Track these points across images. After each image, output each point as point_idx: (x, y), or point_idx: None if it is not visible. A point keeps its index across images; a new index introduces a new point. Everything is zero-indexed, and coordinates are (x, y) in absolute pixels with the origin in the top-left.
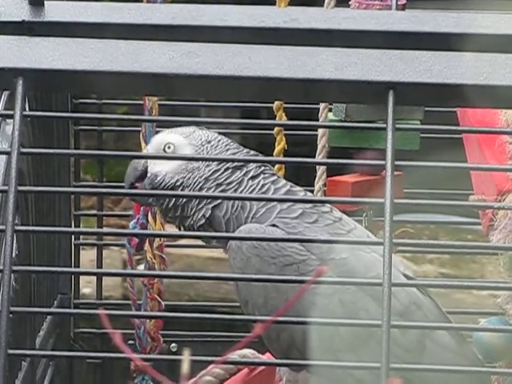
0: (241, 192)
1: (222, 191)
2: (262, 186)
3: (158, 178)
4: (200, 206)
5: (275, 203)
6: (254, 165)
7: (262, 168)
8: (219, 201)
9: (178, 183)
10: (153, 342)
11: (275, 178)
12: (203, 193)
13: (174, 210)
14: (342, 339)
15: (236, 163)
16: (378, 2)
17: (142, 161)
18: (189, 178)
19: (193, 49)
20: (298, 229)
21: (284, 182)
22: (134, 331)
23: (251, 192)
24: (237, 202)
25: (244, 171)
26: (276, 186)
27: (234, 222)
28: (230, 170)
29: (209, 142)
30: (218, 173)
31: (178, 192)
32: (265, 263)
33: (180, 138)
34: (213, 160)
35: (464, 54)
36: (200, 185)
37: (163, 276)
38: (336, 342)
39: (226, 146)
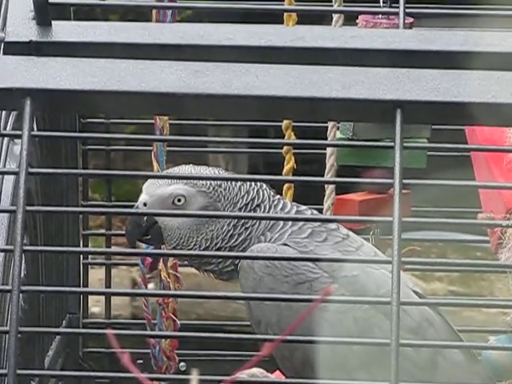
0: (260, 226)
1: (249, 234)
2: (277, 218)
3: (178, 232)
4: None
5: (286, 227)
6: (266, 199)
7: (272, 199)
8: (243, 247)
9: (201, 237)
10: (168, 361)
11: (282, 204)
12: (227, 239)
13: (194, 257)
14: (355, 357)
15: (251, 198)
16: (385, 21)
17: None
18: (212, 229)
19: (200, 68)
20: (309, 247)
21: (290, 204)
22: (143, 350)
23: (269, 227)
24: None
25: (262, 208)
26: (285, 212)
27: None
28: (250, 210)
29: (220, 186)
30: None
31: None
32: (277, 282)
33: (190, 189)
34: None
35: (471, 72)
36: (230, 233)
37: (173, 295)
38: (349, 359)
39: (237, 186)
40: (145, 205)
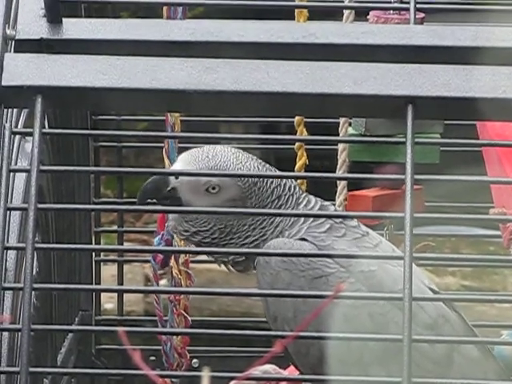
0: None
1: (268, 231)
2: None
3: (198, 216)
4: (245, 246)
5: (307, 222)
6: (292, 201)
7: (296, 197)
8: (261, 240)
9: (228, 229)
10: (180, 358)
11: (306, 200)
12: (246, 230)
13: (209, 245)
14: (370, 353)
15: (280, 201)
16: (397, 16)
17: (170, 183)
18: (233, 224)
19: (211, 65)
20: (327, 242)
21: (314, 200)
22: (156, 347)
23: (292, 224)
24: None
25: (287, 206)
26: (308, 208)
27: None
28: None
29: (255, 185)
30: (272, 217)
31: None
32: (294, 277)
33: (227, 180)
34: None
35: (482, 68)
36: (248, 231)
37: (184, 292)
38: (365, 355)
39: (271, 186)
40: (176, 178)
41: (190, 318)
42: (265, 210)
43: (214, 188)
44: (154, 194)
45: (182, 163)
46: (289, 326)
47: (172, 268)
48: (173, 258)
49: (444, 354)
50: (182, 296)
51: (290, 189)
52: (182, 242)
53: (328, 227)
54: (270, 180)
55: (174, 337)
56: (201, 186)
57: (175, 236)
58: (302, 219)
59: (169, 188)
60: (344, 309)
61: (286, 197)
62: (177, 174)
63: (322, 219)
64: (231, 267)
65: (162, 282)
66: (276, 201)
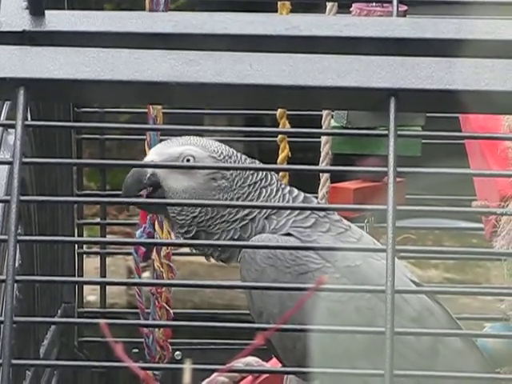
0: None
1: (255, 212)
2: (283, 199)
3: (183, 196)
4: (230, 226)
5: (291, 214)
6: (274, 183)
7: (279, 183)
8: (245, 222)
9: (214, 213)
10: (162, 351)
11: (289, 189)
12: (234, 212)
13: (195, 226)
14: (356, 347)
15: (260, 178)
16: (380, 9)
17: (147, 173)
18: (219, 198)
19: (193, 57)
20: (313, 237)
21: (297, 191)
22: (138, 339)
23: (276, 212)
24: (260, 222)
25: (268, 190)
26: (293, 196)
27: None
28: (258, 191)
29: (230, 157)
30: (251, 194)
31: (198, 202)
32: (280, 273)
33: (200, 151)
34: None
35: (465, 60)
36: (249, 211)
37: (167, 285)
38: (351, 349)
39: (246, 161)
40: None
41: (171, 311)
42: (251, 203)
43: (188, 160)
44: (136, 186)
45: (154, 151)
46: (274, 322)
47: (154, 261)
48: (155, 250)
49: (429, 346)
50: (164, 289)
51: (271, 175)
52: (164, 234)
53: (313, 222)
54: (244, 158)
55: (156, 330)
56: (175, 160)
57: (157, 229)
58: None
59: (148, 175)
60: (330, 304)
61: (269, 180)
62: (155, 166)
63: (307, 212)
64: (215, 257)
65: (145, 274)
66: (259, 182)
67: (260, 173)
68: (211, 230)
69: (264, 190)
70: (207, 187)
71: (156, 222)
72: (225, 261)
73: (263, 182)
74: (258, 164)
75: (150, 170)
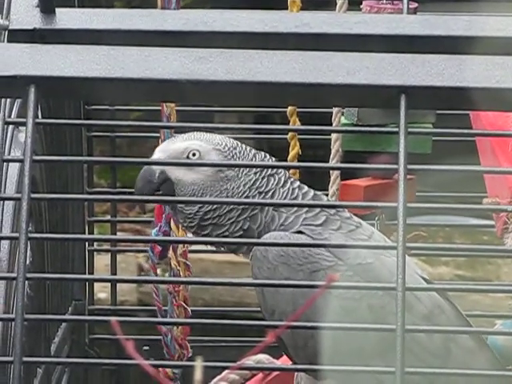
0: (275, 198)
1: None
2: (292, 193)
3: (191, 187)
4: (240, 217)
5: (301, 211)
6: (282, 172)
7: (288, 174)
8: (255, 212)
9: (215, 195)
10: (181, 349)
11: (298, 183)
12: (243, 200)
13: (204, 220)
14: (368, 345)
15: (268, 171)
16: (390, 6)
17: (156, 171)
18: (227, 188)
19: (204, 54)
20: (324, 235)
21: (307, 187)
22: (149, 336)
23: (284, 199)
24: (269, 212)
25: (276, 179)
26: (302, 192)
27: (265, 233)
28: (266, 179)
29: (235, 148)
30: (258, 182)
31: (208, 199)
32: (292, 271)
33: (205, 145)
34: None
35: (475, 57)
36: (245, 194)
37: (177, 282)
38: (363, 348)
39: (252, 152)
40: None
41: (189, 309)
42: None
43: (194, 155)
44: (148, 187)
45: (159, 148)
46: (287, 320)
47: (170, 259)
48: (171, 249)
49: (440, 345)
50: (182, 287)
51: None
52: (180, 232)
53: (324, 219)
54: (250, 149)
55: (175, 328)
56: (181, 155)
57: (173, 227)
58: (298, 202)
59: (157, 174)
60: (343, 302)
61: (276, 170)
62: (165, 163)
63: (317, 210)
64: (224, 247)
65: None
66: (265, 170)
67: (273, 180)
68: (220, 222)
69: (272, 178)
70: (215, 178)
71: (172, 221)
72: (233, 251)
73: (270, 169)
74: (264, 155)
75: (158, 168)
